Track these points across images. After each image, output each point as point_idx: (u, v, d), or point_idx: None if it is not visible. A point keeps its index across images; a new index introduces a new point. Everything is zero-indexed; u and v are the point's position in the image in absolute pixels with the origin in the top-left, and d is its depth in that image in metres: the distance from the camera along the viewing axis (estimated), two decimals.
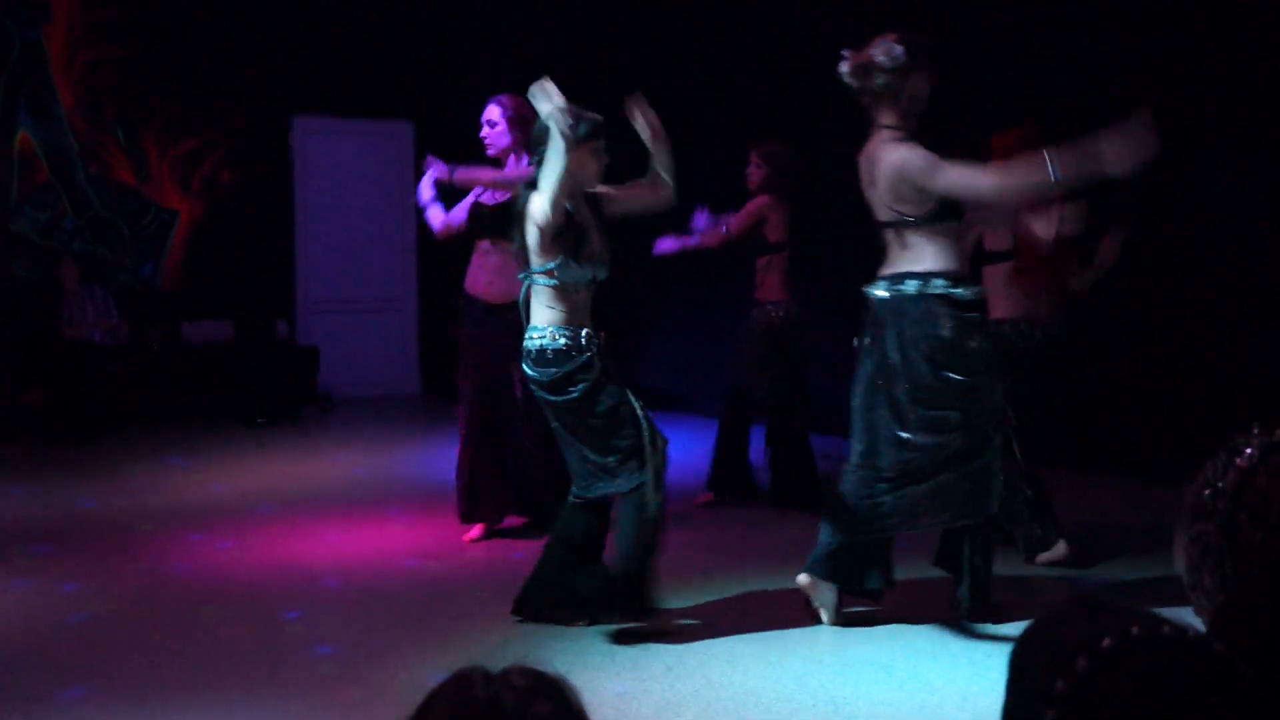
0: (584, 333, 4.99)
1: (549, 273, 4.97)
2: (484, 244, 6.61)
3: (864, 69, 4.99)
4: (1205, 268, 7.53)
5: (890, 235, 5.05)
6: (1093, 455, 7.68)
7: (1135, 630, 1.16)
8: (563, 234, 4.93)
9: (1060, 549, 5.99)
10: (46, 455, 9.44)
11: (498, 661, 1.23)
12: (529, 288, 5.09)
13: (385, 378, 12.77)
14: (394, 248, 12.90)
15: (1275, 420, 1.69)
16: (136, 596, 5.69)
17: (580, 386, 4.94)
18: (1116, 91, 7.56)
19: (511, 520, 6.76)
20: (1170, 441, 7.33)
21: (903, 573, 5.90)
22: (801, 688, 4.43)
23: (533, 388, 5.10)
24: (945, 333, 4.93)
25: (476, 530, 6.65)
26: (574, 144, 4.81)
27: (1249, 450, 1.54)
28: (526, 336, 5.05)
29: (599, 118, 5.04)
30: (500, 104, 6.53)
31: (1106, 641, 1.15)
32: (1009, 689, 1.24)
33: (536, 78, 4.89)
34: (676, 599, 5.49)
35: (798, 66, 9.98)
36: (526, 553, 6.36)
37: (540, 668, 1.21)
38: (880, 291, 5.05)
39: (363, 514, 7.35)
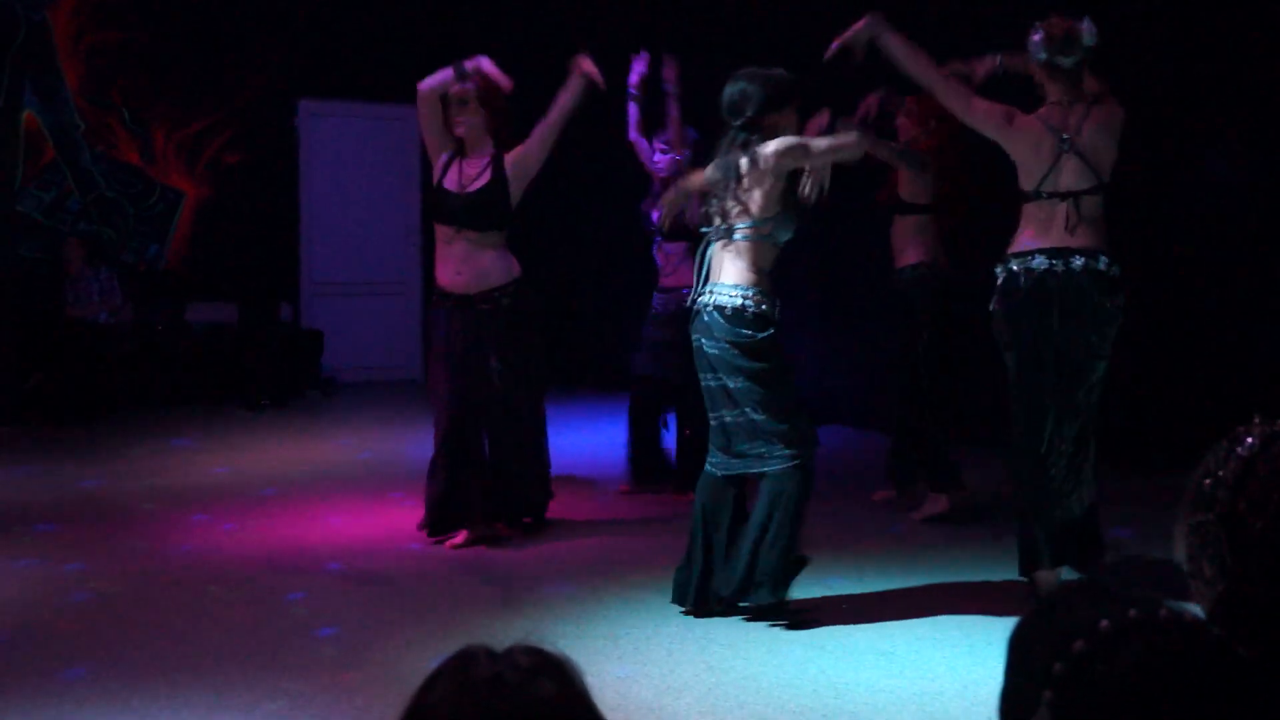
0: (778, 306, 4.98)
1: (762, 228, 4.94)
2: (446, 231, 6.24)
3: (1067, 42, 5.04)
4: (1206, 257, 7.52)
5: (1071, 204, 5.11)
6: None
7: (1132, 613, 1.17)
8: (790, 186, 4.96)
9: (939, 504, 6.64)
10: (50, 435, 9.47)
11: (501, 643, 1.23)
12: (716, 245, 5.02)
13: (389, 361, 12.78)
14: (398, 231, 12.90)
15: (1276, 410, 1.70)
16: (139, 577, 5.70)
17: (767, 364, 4.92)
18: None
19: (501, 529, 6.37)
20: (1169, 431, 7.33)
21: (902, 564, 5.92)
22: (802, 673, 4.44)
23: (708, 344, 4.96)
24: (1107, 309, 5.11)
25: (461, 536, 6.24)
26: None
27: (1250, 440, 1.55)
28: (716, 292, 4.95)
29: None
30: (470, 81, 6.23)
31: (1104, 624, 1.16)
32: (1008, 671, 1.25)
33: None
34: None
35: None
36: (530, 535, 6.37)
37: (544, 647, 1.22)
38: (1038, 264, 5.10)
39: (365, 497, 7.36)
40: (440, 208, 6.27)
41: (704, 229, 5.14)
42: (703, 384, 5.09)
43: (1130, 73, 7.73)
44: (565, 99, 6.15)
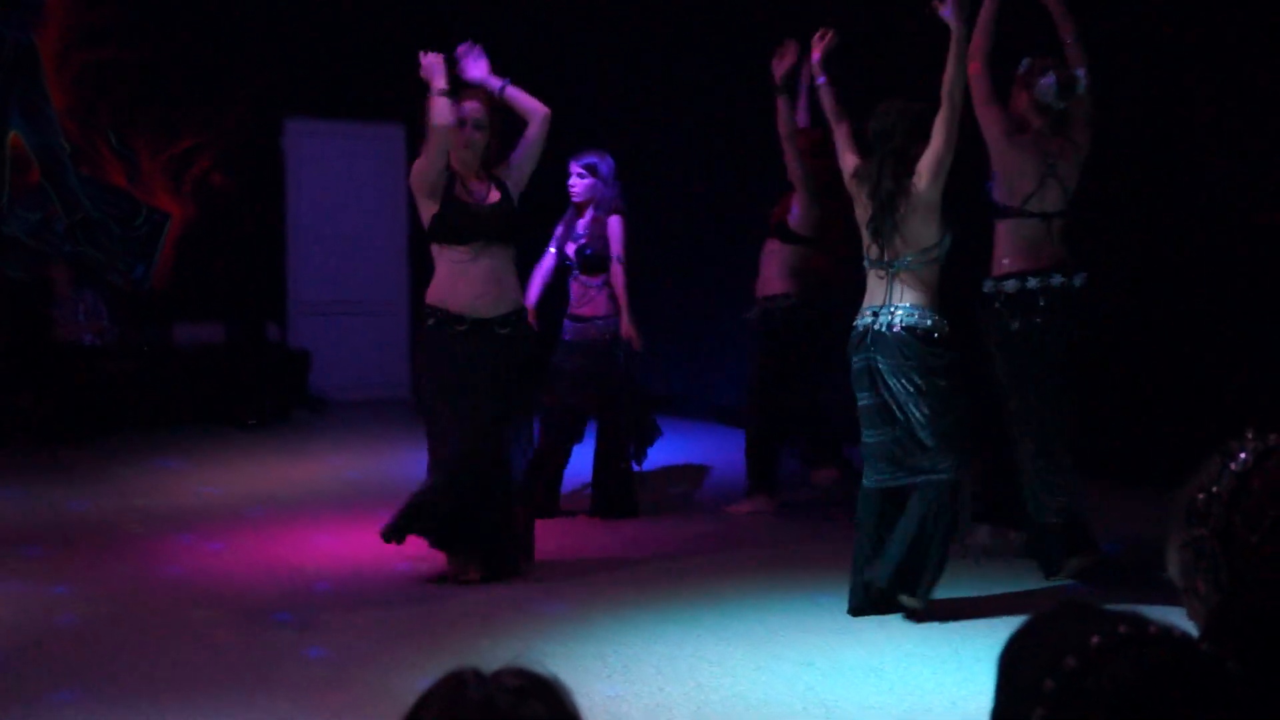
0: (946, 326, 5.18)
1: (931, 253, 5.16)
2: (465, 251, 5.97)
3: (1069, 87, 5.57)
4: (1197, 268, 7.54)
5: (1045, 225, 5.62)
6: (1081, 459, 7.67)
7: (1123, 629, 1.17)
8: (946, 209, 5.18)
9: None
10: (36, 457, 9.41)
11: (490, 664, 1.23)
12: (879, 271, 5.22)
13: (376, 380, 12.75)
14: (385, 250, 12.88)
15: (1269, 424, 1.69)
16: (127, 599, 5.68)
17: (947, 382, 5.12)
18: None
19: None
20: (1160, 445, 7.34)
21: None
22: (791, 691, 4.44)
23: (885, 362, 5.12)
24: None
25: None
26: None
27: (1243, 455, 1.55)
28: (899, 313, 5.13)
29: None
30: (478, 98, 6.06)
31: (1095, 640, 1.15)
32: (998, 688, 1.24)
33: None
34: (664, 603, 5.49)
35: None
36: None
37: (533, 668, 1.21)
38: (1054, 280, 5.58)
39: (354, 517, 7.31)
40: (463, 222, 5.95)
41: (866, 259, 5.30)
42: (861, 403, 5.25)
43: (1129, 74, 7.77)
44: (532, 133, 6.05)
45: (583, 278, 7.20)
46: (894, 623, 5.16)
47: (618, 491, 7.33)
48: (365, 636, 5.12)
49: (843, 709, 4.27)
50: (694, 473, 8.65)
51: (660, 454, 9.19)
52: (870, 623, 5.17)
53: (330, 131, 12.60)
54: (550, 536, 6.75)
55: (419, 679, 4.40)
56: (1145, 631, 1.17)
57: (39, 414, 10.13)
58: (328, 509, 7.56)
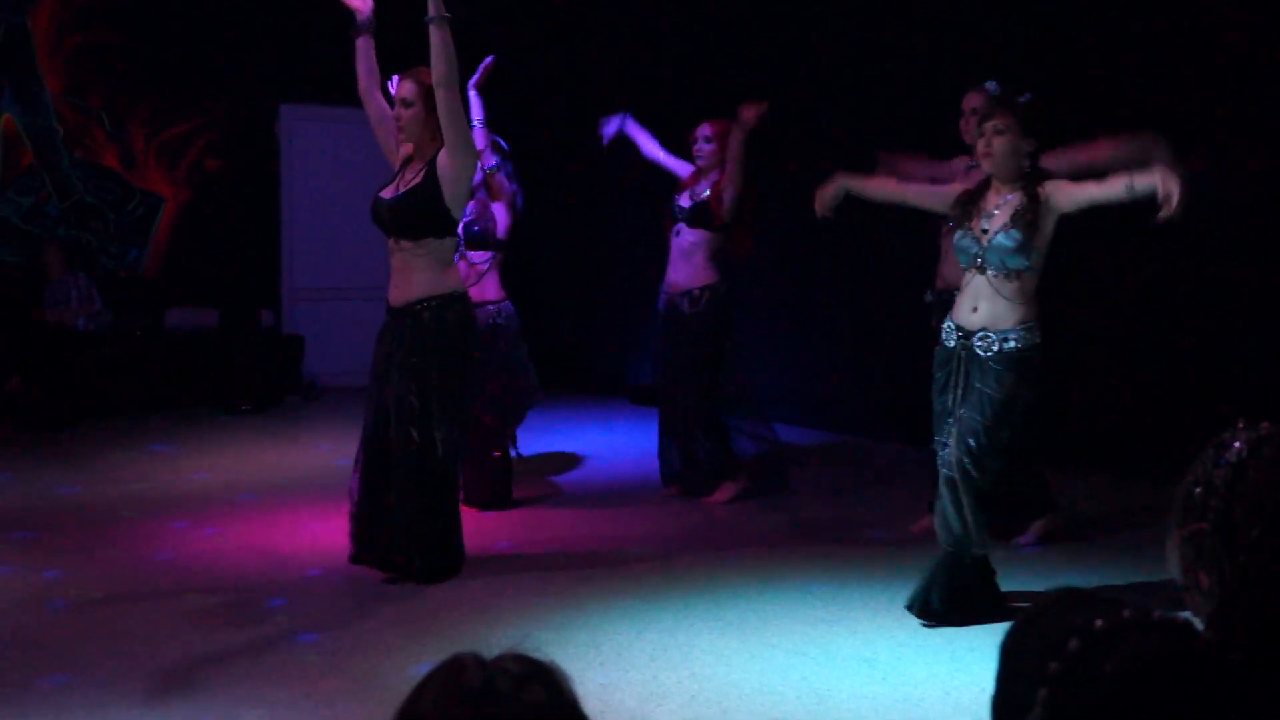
0: None
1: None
2: (389, 243, 5.85)
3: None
4: (1183, 262, 7.54)
5: None
6: (1072, 451, 7.70)
7: (1126, 614, 1.17)
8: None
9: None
10: (27, 441, 9.40)
11: (483, 651, 1.23)
12: None
13: (370, 367, 12.72)
14: (380, 237, 12.75)
15: (1258, 414, 1.69)
16: (118, 584, 5.67)
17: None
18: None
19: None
20: (1148, 437, 7.35)
21: (883, 571, 5.92)
22: (785, 680, 4.44)
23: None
24: None
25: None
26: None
27: (1237, 444, 1.54)
28: None
29: None
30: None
31: (1099, 623, 1.16)
32: (1001, 671, 1.25)
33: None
34: (656, 592, 5.49)
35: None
36: (511, 542, 6.37)
37: (533, 654, 1.22)
38: None
39: (346, 502, 7.31)
40: (373, 215, 5.89)
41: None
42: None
43: (1110, 82, 7.77)
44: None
45: (469, 255, 7.01)
46: (887, 613, 5.16)
47: (487, 482, 7.08)
48: (358, 622, 5.11)
49: (836, 698, 4.28)
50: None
51: (633, 440, 9.20)
52: (864, 613, 5.17)
53: (326, 117, 12.55)
54: (535, 527, 6.75)
55: (412, 665, 4.41)
56: (1148, 617, 1.18)
57: (30, 398, 10.11)
58: (320, 495, 7.55)
